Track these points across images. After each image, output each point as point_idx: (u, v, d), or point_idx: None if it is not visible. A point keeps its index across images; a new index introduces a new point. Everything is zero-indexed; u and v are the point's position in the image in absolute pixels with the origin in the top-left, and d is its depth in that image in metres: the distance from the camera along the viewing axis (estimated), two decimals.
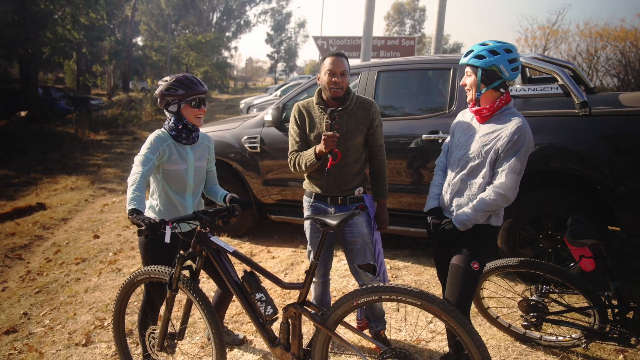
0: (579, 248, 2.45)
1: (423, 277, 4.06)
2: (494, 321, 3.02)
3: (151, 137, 2.45)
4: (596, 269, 2.46)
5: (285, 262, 4.57)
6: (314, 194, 2.76)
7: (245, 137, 4.99)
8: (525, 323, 2.76)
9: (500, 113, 2.24)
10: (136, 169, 2.31)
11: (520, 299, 2.81)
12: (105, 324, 3.55)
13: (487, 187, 2.19)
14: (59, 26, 20.31)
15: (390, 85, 4.54)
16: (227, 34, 47.81)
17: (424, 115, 4.16)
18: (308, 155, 2.58)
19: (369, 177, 2.86)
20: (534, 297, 2.76)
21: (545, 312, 2.71)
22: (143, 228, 2.01)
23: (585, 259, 2.45)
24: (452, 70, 4.02)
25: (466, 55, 2.26)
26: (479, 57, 2.19)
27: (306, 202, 2.83)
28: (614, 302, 2.53)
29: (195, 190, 2.65)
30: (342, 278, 4.05)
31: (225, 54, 42.45)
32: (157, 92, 2.49)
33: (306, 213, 2.81)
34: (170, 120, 2.52)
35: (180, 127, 2.50)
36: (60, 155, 13.35)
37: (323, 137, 2.43)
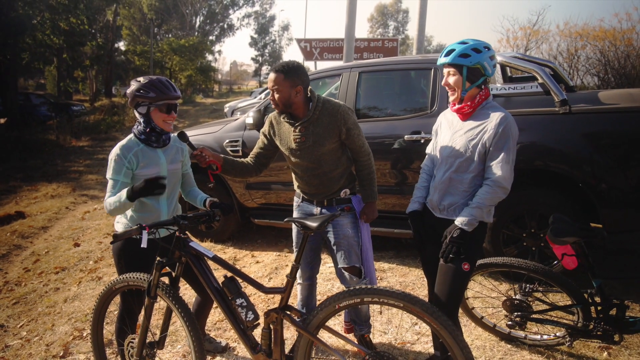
0: (561, 246, 2.44)
1: (408, 278, 4.04)
2: (479, 321, 3.01)
3: (114, 152, 2.40)
4: (578, 267, 2.46)
5: (269, 266, 4.52)
6: (302, 195, 2.76)
7: (227, 141, 4.93)
8: (510, 323, 2.75)
9: (482, 108, 2.24)
10: (108, 193, 2.36)
11: (505, 298, 2.80)
12: (84, 335, 3.46)
13: (484, 183, 2.18)
14: (38, 31, 20.01)
15: (372, 86, 4.53)
16: (210, 37, 47.57)
17: (406, 116, 4.15)
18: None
19: (357, 178, 2.83)
20: (517, 297, 2.75)
21: (530, 311, 2.70)
22: (119, 233, 1.96)
23: (567, 257, 2.44)
24: (433, 70, 4.02)
25: (446, 54, 2.23)
26: (463, 55, 2.17)
27: (295, 202, 2.86)
28: (597, 299, 2.53)
29: (170, 194, 2.59)
30: (326, 281, 4.01)
31: (209, 57, 42.09)
32: (128, 90, 2.43)
33: (294, 213, 2.82)
34: (140, 122, 2.46)
35: (148, 130, 2.45)
36: (40, 162, 13.11)
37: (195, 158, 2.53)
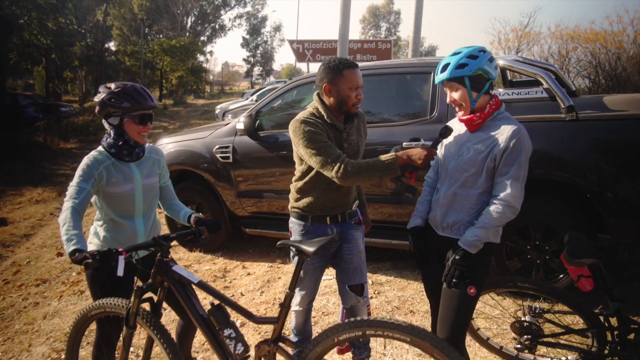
0: (577, 267, 2.26)
1: (407, 292, 3.85)
2: (485, 343, 2.82)
3: (84, 162, 2.15)
4: (595, 289, 2.28)
5: (261, 278, 4.31)
6: (310, 216, 2.41)
7: (217, 147, 4.72)
8: (519, 346, 2.57)
9: (492, 119, 2.07)
10: (66, 205, 2.04)
11: (513, 320, 2.62)
12: (62, 357, 3.24)
13: (492, 201, 1.99)
14: (25, 31, 19.63)
15: (369, 91, 4.31)
16: (202, 38, 47.12)
17: (404, 122, 3.96)
18: (387, 161, 2.08)
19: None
20: (527, 318, 2.56)
21: (540, 334, 2.52)
22: (91, 261, 1.74)
23: (583, 278, 2.26)
24: (432, 74, 3.83)
25: (442, 70, 2.05)
26: (461, 66, 1.99)
27: (299, 226, 2.44)
28: (614, 322, 2.36)
29: (147, 211, 2.35)
30: (321, 296, 3.81)
31: (201, 58, 41.72)
32: (97, 99, 2.17)
33: (298, 239, 2.45)
34: (110, 134, 2.22)
35: (120, 143, 2.20)
36: (27, 165, 12.80)
37: (425, 151, 2.04)
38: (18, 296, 4.49)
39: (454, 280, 2.01)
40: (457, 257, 2.00)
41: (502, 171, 1.98)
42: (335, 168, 2.11)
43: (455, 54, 2.03)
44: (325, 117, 2.29)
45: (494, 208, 1.97)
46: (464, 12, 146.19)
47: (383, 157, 2.10)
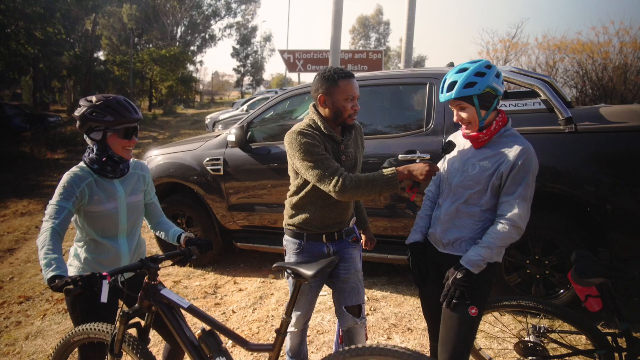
0: (585, 287, 2.18)
1: (404, 308, 3.74)
2: None
3: (64, 178, 2.02)
4: (603, 309, 2.19)
5: (253, 295, 4.18)
6: (305, 234, 2.30)
7: (207, 159, 4.60)
8: None
9: (499, 136, 2.00)
10: (45, 225, 1.91)
11: (516, 340, 2.52)
12: None
13: (498, 220, 1.91)
14: (13, 41, 19.39)
15: (363, 102, 4.22)
16: (191, 48, 47.07)
17: (400, 134, 3.88)
18: (387, 175, 1.98)
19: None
20: (531, 338, 2.47)
21: (545, 355, 2.42)
22: (72, 287, 1.62)
23: (591, 298, 2.18)
24: (428, 85, 3.76)
25: (449, 89, 1.97)
26: (469, 85, 1.92)
27: (293, 244, 2.33)
28: (622, 344, 2.27)
29: (131, 231, 2.22)
30: (315, 314, 3.69)
31: (191, 68, 41.67)
32: (77, 113, 2.04)
33: (293, 259, 2.34)
34: (93, 150, 2.09)
35: (104, 158, 2.07)
36: (12, 176, 12.53)
37: (427, 167, 1.94)
38: (0, 315, 4.31)
39: (454, 300, 1.93)
40: (458, 277, 1.92)
41: (508, 190, 1.91)
42: (333, 182, 2.01)
43: (460, 70, 1.95)
44: (322, 128, 2.20)
45: (500, 227, 1.90)
46: (452, 23, 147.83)
47: (384, 171, 2.00)
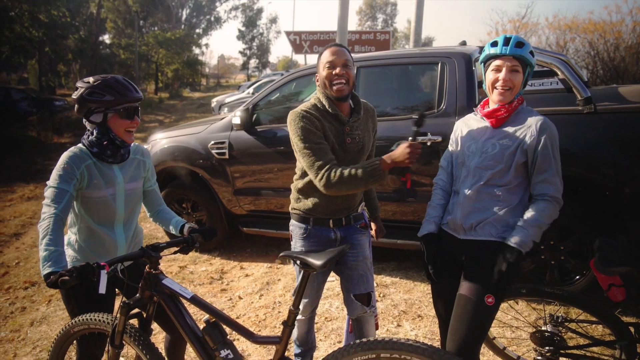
0: (609, 276, 2.07)
1: (414, 294, 3.66)
2: (501, 352, 2.63)
3: (63, 158, 1.90)
4: (627, 298, 2.09)
5: (260, 280, 4.11)
6: (311, 218, 2.22)
7: (212, 142, 4.50)
8: (540, 357, 2.38)
9: (517, 113, 1.94)
10: (47, 210, 1.79)
11: (533, 329, 2.43)
12: None
13: (540, 199, 1.86)
14: (17, 24, 19.25)
15: (372, 83, 4.11)
16: (197, 30, 46.66)
17: (410, 116, 3.74)
18: (370, 167, 1.91)
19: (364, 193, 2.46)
20: (548, 328, 2.37)
21: (563, 346, 2.33)
22: (67, 279, 1.53)
23: (615, 287, 2.07)
24: (440, 64, 3.62)
25: (515, 44, 1.84)
26: (530, 53, 1.86)
27: (300, 229, 2.25)
28: None
29: (128, 219, 2.12)
30: (324, 300, 3.61)
31: (196, 51, 41.29)
32: (75, 96, 1.94)
33: (299, 244, 2.26)
34: (93, 133, 1.98)
35: (105, 142, 1.96)
36: (19, 160, 12.51)
37: (408, 148, 1.86)
38: (5, 300, 4.28)
39: (501, 285, 1.84)
40: (509, 257, 1.79)
41: (542, 167, 1.85)
42: (319, 176, 1.97)
43: (506, 38, 1.87)
44: (327, 106, 2.09)
45: (547, 205, 1.85)
46: (461, 3, 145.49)
47: (366, 163, 1.93)
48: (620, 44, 14.57)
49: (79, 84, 1.95)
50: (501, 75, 1.88)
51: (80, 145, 1.99)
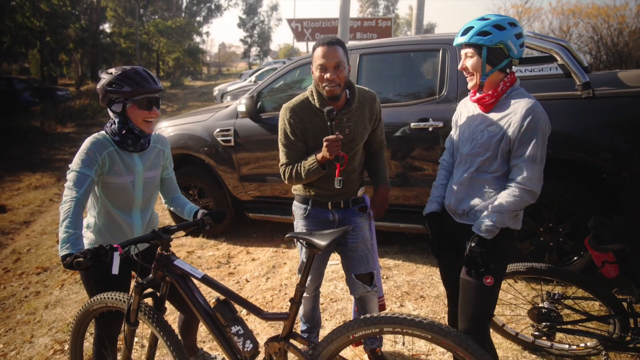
0: (602, 253, 2.15)
1: (416, 276, 3.76)
2: (500, 329, 2.73)
3: (86, 143, 1.99)
4: (620, 274, 2.18)
5: (266, 264, 4.22)
6: (310, 200, 2.34)
7: (218, 130, 4.58)
8: (537, 333, 2.48)
9: (506, 97, 1.92)
10: (69, 194, 1.88)
11: (530, 306, 2.52)
12: (66, 348, 3.15)
13: (508, 184, 1.87)
14: (18, 14, 19.23)
15: (374, 70, 4.18)
16: (197, 18, 46.37)
17: (412, 102, 3.81)
18: (309, 164, 2.15)
19: (368, 172, 2.54)
20: (545, 305, 2.47)
21: (559, 321, 2.42)
22: (82, 260, 1.62)
23: (608, 264, 2.16)
24: (441, 51, 3.67)
25: (463, 33, 1.90)
26: (483, 33, 1.84)
27: (300, 209, 2.40)
28: (638, 309, 2.26)
29: (145, 205, 2.21)
30: (329, 282, 3.72)
31: (197, 39, 41.21)
32: (98, 86, 2.03)
33: (300, 223, 2.39)
34: (114, 122, 2.06)
35: (124, 131, 2.04)
36: (24, 150, 12.63)
37: (325, 143, 2.03)
38: (19, 285, 4.40)
39: (480, 270, 1.90)
40: (472, 245, 1.89)
41: (517, 153, 1.86)
42: (281, 171, 2.31)
43: (482, 19, 1.88)
44: (316, 103, 2.19)
45: (510, 192, 1.85)
46: None
47: (308, 161, 2.17)
48: (623, 28, 14.47)
49: (102, 75, 2.04)
50: (459, 65, 1.98)
51: (103, 132, 2.08)
